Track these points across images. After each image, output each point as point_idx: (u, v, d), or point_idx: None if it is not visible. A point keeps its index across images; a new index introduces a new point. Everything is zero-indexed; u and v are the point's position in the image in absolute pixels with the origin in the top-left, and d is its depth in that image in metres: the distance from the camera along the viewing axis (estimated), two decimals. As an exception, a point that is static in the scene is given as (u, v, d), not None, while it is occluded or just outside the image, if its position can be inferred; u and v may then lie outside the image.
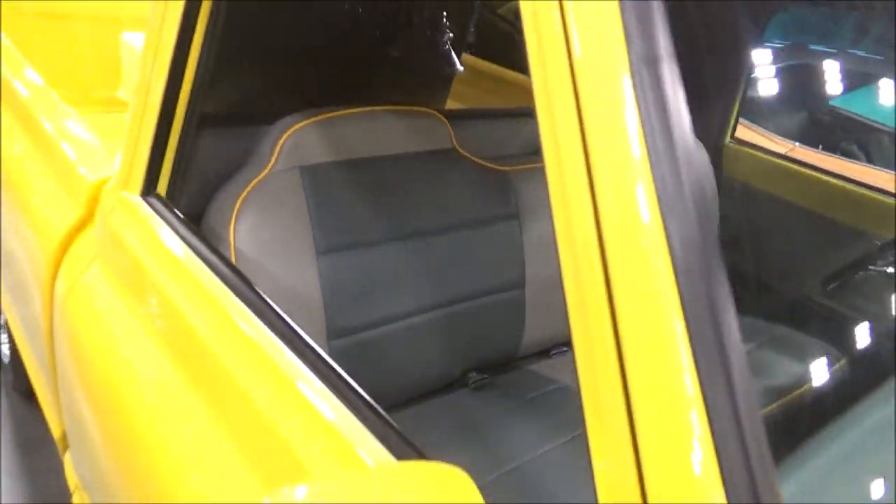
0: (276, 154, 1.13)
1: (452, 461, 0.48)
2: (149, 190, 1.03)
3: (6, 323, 2.03)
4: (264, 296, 0.84)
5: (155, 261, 0.96)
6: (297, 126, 1.15)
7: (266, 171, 1.12)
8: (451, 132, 1.31)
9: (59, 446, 1.36)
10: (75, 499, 1.26)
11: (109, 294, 1.03)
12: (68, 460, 1.30)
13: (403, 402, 1.27)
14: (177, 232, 0.97)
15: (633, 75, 0.46)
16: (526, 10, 0.52)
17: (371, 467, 0.60)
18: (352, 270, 1.19)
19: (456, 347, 1.32)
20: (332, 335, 1.17)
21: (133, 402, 0.93)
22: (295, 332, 0.78)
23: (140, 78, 1.06)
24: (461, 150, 1.33)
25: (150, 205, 1.02)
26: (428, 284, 1.26)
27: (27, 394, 2.08)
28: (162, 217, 0.99)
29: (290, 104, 1.20)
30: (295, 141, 1.15)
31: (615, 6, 0.47)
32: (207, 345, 0.83)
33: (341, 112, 1.21)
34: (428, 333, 1.27)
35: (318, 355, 0.74)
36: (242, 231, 1.09)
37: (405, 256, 1.23)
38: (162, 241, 0.97)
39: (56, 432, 1.36)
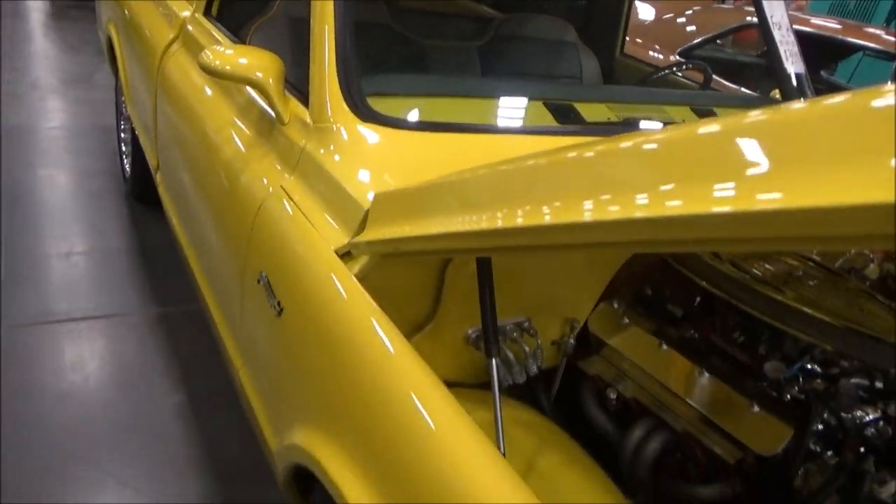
0: (275, 6, 2.14)
1: None
2: (207, 11, 2.08)
3: (131, 142, 3.15)
4: None
5: (202, 40, 2.00)
6: (289, -9, 2.16)
7: (269, 15, 2.13)
8: None
9: (154, 172, 2.44)
10: (157, 177, 2.35)
11: (184, 61, 2.09)
12: (159, 176, 2.38)
13: None
14: (216, 28, 2.00)
15: None
16: None
17: None
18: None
19: None
20: None
21: (192, 119, 1.95)
22: None
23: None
24: None
25: (207, 18, 2.06)
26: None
27: (140, 198, 3.18)
28: (211, 23, 2.03)
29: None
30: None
31: None
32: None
33: None
34: None
35: None
36: (253, 42, 2.10)
37: None
38: (208, 30, 2.01)
39: (153, 163, 2.45)
